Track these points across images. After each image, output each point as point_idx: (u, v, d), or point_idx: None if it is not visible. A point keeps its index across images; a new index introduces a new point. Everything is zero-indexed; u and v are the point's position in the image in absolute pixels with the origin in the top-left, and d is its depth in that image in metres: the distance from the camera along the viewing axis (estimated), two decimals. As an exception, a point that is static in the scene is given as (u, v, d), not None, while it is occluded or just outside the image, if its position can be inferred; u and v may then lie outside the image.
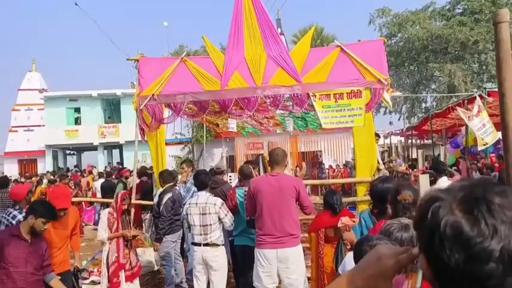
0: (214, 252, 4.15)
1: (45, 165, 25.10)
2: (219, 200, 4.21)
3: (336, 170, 18.94)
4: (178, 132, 21.92)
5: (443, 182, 5.55)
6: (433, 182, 5.66)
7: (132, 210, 5.36)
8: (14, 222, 4.21)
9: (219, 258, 4.17)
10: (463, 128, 10.04)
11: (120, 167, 20.74)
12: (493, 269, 0.67)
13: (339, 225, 2.91)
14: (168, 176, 5.95)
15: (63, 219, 3.87)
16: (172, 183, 5.91)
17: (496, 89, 2.29)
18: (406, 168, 9.23)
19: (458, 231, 0.70)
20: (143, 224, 7.69)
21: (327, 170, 19.24)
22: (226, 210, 4.18)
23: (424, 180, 4.07)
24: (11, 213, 4.36)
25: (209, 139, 20.78)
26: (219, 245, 4.17)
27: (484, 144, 7.30)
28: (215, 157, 22.40)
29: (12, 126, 27.78)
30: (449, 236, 0.71)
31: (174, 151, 22.67)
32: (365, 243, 1.91)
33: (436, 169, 6.04)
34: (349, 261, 2.31)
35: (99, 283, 5.89)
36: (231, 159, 22.40)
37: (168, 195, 5.46)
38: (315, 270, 3.92)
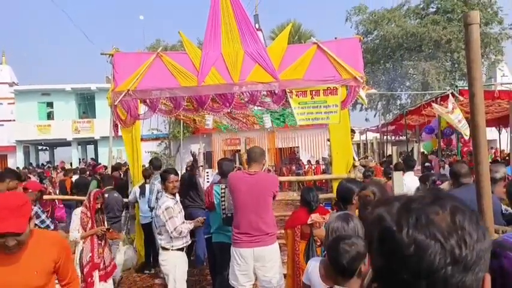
0: (162, 256, 4.18)
1: (15, 161, 24.34)
2: (164, 204, 4.10)
3: (307, 166, 19.10)
4: (155, 128, 21.61)
5: (408, 176, 5.78)
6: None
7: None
8: (32, 214, 4.23)
9: (167, 263, 4.14)
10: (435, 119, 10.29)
11: (95, 163, 20.32)
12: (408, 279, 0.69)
13: (309, 222, 2.94)
14: (108, 180, 5.99)
15: (14, 253, 1.93)
16: (111, 187, 5.90)
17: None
18: (377, 164, 9.43)
19: (388, 236, 0.71)
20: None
21: (306, 166, 19.39)
22: (168, 216, 4.05)
23: (397, 177, 4.15)
24: None
25: (186, 135, 20.59)
26: (168, 249, 4.13)
27: (466, 135, 7.68)
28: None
29: (-19, 121, 26.79)
30: (380, 238, 0.73)
31: (150, 147, 22.38)
32: (342, 242, 1.93)
33: (407, 164, 6.29)
34: (312, 269, 2.33)
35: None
36: (208, 155, 22.29)
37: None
38: (291, 267, 3.94)
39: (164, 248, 4.16)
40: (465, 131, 7.71)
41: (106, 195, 5.39)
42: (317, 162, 18.90)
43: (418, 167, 9.32)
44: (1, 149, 25.94)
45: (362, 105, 23.13)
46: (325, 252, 2.27)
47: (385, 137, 16.65)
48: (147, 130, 18.04)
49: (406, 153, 12.10)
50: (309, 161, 19.94)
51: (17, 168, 20.16)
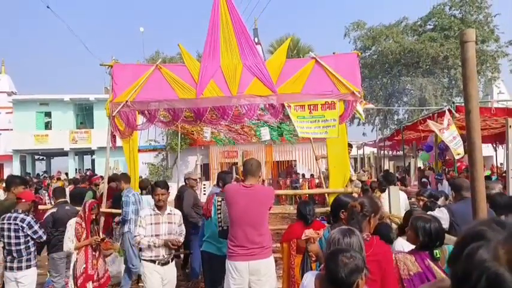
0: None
1: (12, 170, 24.20)
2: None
3: (301, 180, 19.10)
4: (153, 139, 21.61)
5: (393, 189, 5.82)
6: (383, 190, 6.24)
7: (102, 219, 5.23)
8: (24, 225, 4.44)
9: (141, 272, 4.46)
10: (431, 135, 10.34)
11: (92, 173, 20.22)
12: None
13: (303, 237, 2.92)
14: (59, 193, 5.91)
15: None
16: (63, 200, 5.77)
17: (463, 105, 2.36)
18: (369, 179, 9.46)
19: (497, 285, 0.58)
20: (113, 233, 7.49)
21: (301, 180, 19.36)
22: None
23: (394, 192, 4.15)
24: (16, 217, 4.45)
25: (184, 147, 20.58)
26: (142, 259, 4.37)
27: (458, 154, 7.57)
28: (189, 165, 22.19)
29: (-22, 130, 26.72)
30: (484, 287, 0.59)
31: (147, 158, 22.35)
32: (341, 254, 1.90)
33: (386, 179, 6.62)
34: (308, 283, 2.31)
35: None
36: (205, 167, 22.24)
37: (52, 211, 5.43)
38: (286, 281, 3.91)
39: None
40: (458, 149, 7.62)
41: (55, 209, 5.34)
42: (311, 175, 18.91)
43: (414, 182, 9.34)
44: (-2, 158, 25.85)
45: (359, 119, 23.23)
46: (321, 266, 2.25)
47: (382, 151, 16.68)
48: (144, 141, 18.02)
49: (403, 168, 12.12)
50: (303, 175, 19.92)
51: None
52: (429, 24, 24.22)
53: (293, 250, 3.80)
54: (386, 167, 14.43)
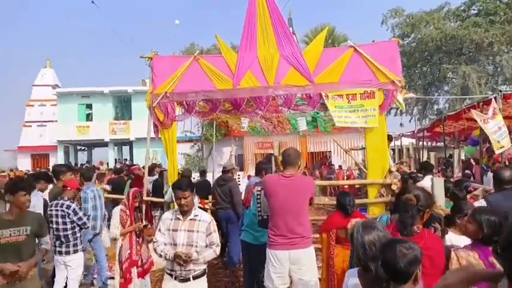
0: None
1: (56, 160, 25.36)
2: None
3: (337, 170, 18.93)
4: (188, 130, 21.98)
5: (426, 180, 5.80)
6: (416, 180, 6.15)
7: (144, 207, 5.39)
8: (70, 211, 4.71)
9: None
10: (475, 131, 9.94)
11: (130, 163, 20.87)
12: None
13: (349, 226, 2.90)
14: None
15: None
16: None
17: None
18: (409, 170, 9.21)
19: None
20: (153, 221, 7.73)
21: (336, 171, 19.16)
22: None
23: (438, 183, 4.04)
24: (62, 204, 4.74)
25: (218, 137, 20.81)
26: None
27: (501, 147, 7.19)
28: (224, 155, 22.44)
29: (26, 122, 28.13)
30: None
31: (183, 149, 22.77)
32: (398, 245, 1.86)
33: (425, 168, 6.56)
34: (351, 282, 2.28)
35: (111, 278, 5.97)
36: (239, 158, 22.42)
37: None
38: (325, 271, 3.91)
39: None
40: (502, 141, 7.19)
41: None
42: (340, 167, 18.82)
43: (458, 174, 9.02)
44: (44, 148, 27.16)
45: (397, 110, 22.66)
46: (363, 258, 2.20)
47: (421, 142, 16.18)
48: (180, 132, 18.34)
49: (444, 160, 11.72)
50: (340, 166, 19.69)
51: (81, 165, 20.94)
52: (473, 9, 23.11)
53: (332, 240, 3.78)
54: (425, 158, 14.01)
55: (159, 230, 3.48)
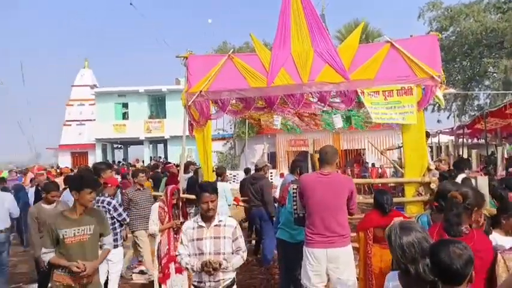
0: None
1: (95, 158, 26.28)
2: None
3: (370, 169, 18.63)
4: (221, 128, 22.23)
5: (458, 179, 5.70)
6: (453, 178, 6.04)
7: (180, 204, 5.49)
8: (110, 207, 4.85)
9: None
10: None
11: (165, 161, 21.32)
12: None
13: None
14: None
15: None
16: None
17: None
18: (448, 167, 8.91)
19: None
20: (188, 218, 7.86)
21: (370, 169, 18.84)
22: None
23: (482, 182, 3.90)
24: (104, 200, 4.89)
25: (251, 135, 20.92)
26: None
27: None
28: (256, 153, 22.50)
29: (66, 121, 29.31)
30: None
31: (216, 147, 23.02)
32: (452, 245, 1.80)
33: (457, 167, 6.53)
34: (392, 281, 2.23)
35: (147, 273, 6.13)
36: (272, 156, 22.43)
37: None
38: (362, 270, 3.85)
39: None
40: None
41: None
42: (373, 165, 18.53)
43: (502, 172, 8.64)
44: (83, 146, 28.20)
45: (434, 106, 21.97)
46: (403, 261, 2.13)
47: (460, 139, 15.62)
48: (213, 130, 18.56)
49: (485, 157, 11.27)
50: (373, 164, 19.33)
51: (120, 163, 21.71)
52: (516, 0, 22.03)
53: (369, 239, 3.72)
54: (465, 156, 13.52)
55: (181, 243, 3.24)
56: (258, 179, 6.57)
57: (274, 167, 21.65)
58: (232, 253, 3.18)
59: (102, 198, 4.90)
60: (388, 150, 13.02)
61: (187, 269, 3.25)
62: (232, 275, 3.23)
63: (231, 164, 22.49)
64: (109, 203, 4.83)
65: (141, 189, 6.32)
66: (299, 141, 21.46)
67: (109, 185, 5.05)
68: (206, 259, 3.02)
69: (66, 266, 3.24)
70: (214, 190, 3.26)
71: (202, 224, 3.19)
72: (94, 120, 27.43)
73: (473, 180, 4.97)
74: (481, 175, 5.86)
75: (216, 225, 3.19)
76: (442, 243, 1.86)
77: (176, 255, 3.33)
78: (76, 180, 3.50)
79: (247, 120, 11.20)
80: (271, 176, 20.11)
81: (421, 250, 2.02)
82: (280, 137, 21.80)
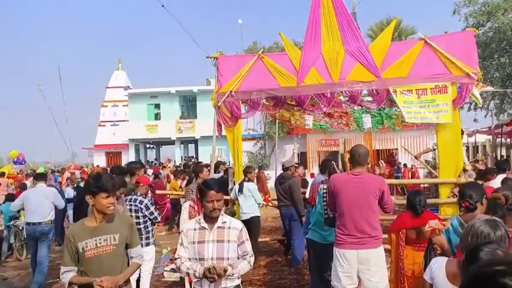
0: None
1: (128, 158, 26.97)
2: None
3: (403, 169, 18.20)
4: (251, 128, 22.29)
5: (497, 180, 5.51)
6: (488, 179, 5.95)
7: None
8: (142, 206, 4.83)
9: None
10: None
11: (196, 161, 21.60)
12: None
13: (427, 228, 2.76)
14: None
15: None
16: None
17: None
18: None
19: None
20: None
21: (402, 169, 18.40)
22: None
23: (521, 183, 3.74)
24: (136, 199, 4.92)
25: (281, 135, 20.85)
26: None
27: None
28: (287, 153, 22.43)
29: (101, 121, 30.24)
30: None
31: (246, 147, 23.08)
32: (482, 248, 1.75)
33: (499, 167, 6.56)
34: (437, 267, 2.17)
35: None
36: (302, 156, 22.30)
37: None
38: (394, 272, 3.78)
39: None
40: None
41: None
42: (404, 165, 18.14)
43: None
44: (117, 146, 28.99)
45: (471, 104, 21.23)
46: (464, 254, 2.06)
47: (498, 139, 15.00)
48: (243, 130, 18.65)
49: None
50: (405, 165, 18.88)
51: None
52: (559, -7, 20.95)
53: (402, 241, 3.65)
54: (504, 156, 12.98)
55: (181, 244, 2.87)
56: (286, 178, 6.56)
57: (305, 167, 21.53)
58: (238, 258, 2.82)
59: (134, 197, 5.02)
60: (422, 153, 12.68)
61: (187, 274, 2.88)
62: (237, 282, 2.85)
63: (261, 164, 22.53)
64: (141, 202, 4.94)
65: None
66: (330, 141, 21.23)
67: (141, 184, 5.17)
68: (207, 265, 2.69)
69: (89, 283, 2.70)
70: (221, 188, 2.91)
71: (205, 225, 2.84)
72: (127, 121, 28.16)
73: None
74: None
75: (219, 227, 2.83)
76: (483, 245, 1.79)
77: (175, 258, 2.94)
78: (91, 182, 2.89)
79: (277, 120, 11.19)
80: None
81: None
82: (310, 137, 21.66)
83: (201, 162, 14.34)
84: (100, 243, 2.79)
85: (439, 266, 2.15)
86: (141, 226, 4.97)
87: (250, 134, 22.78)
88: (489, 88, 16.21)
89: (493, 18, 21.27)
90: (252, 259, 2.89)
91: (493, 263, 1.09)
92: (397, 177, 16.67)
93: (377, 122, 10.74)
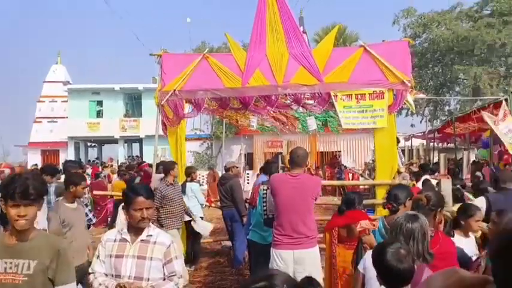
0: None
1: (67, 157, 25.59)
2: None
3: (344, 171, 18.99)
4: (198, 128, 22.07)
5: (445, 182, 5.82)
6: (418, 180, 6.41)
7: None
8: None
9: None
10: (485, 133, 9.86)
11: (140, 160, 21.01)
12: None
13: (358, 228, 2.88)
14: None
15: None
16: None
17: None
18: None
19: None
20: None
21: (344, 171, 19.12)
22: None
23: (446, 185, 4.00)
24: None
25: (228, 136, 20.84)
26: None
27: None
28: (234, 154, 22.46)
29: (37, 117, 28.45)
30: None
31: (193, 147, 22.83)
32: (388, 247, 1.87)
33: (423, 168, 7.30)
34: (369, 259, 2.28)
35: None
36: (249, 157, 22.43)
37: None
38: (327, 269, 3.90)
39: None
40: None
41: None
42: (344, 167, 18.90)
43: (467, 175, 8.92)
44: (54, 144, 27.43)
45: (408, 110, 22.47)
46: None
47: (431, 143, 16.03)
48: (189, 130, 18.41)
49: (454, 161, 11.62)
50: (345, 166, 19.62)
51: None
52: (486, 9, 22.80)
53: (334, 238, 3.76)
54: (436, 159, 13.89)
55: (97, 257, 2.50)
56: (227, 179, 6.56)
57: (251, 168, 21.66)
58: (164, 279, 2.45)
59: None
60: (364, 170, 13.33)
61: None
62: None
63: (208, 165, 22.36)
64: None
65: (174, 184, 5.74)
66: (276, 142, 21.55)
67: None
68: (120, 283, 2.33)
69: None
70: (150, 194, 2.51)
71: (127, 236, 2.45)
72: (66, 117, 26.75)
73: (434, 182, 5.19)
74: (448, 178, 6.03)
75: (143, 241, 2.44)
76: (383, 245, 1.94)
77: (89, 273, 2.56)
78: (0, 184, 2.23)
79: (224, 121, 11.18)
80: (248, 177, 20.11)
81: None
82: (257, 138, 21.84)
83: (143, 162, 13.95)
84: (10, 268, 2.04)
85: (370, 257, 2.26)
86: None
87: (196, 134, 22.55)
88: (422, 95, 17.29)
89: (428, 30, 22.74)
90: (181, 281, 2.53)
91: None
92: (339, 179, 17.28)
93: (321, 124, 11.08)
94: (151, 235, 2.48)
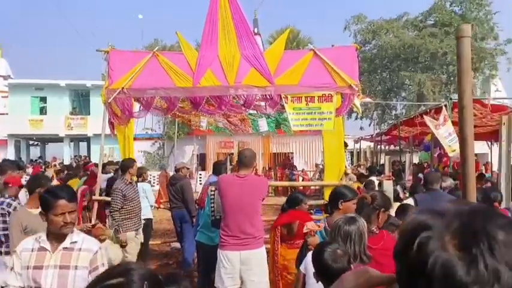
0: None
1: (6, 155, 24.06)
2: None
3: (296, 173, 19.39)
4: (149, 128, 21.55)
5: (386, 183, 6.15)
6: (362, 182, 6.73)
7: (95, 206, 5.22)
8: (11, 210, 4.23)
9: None
10: (427, 136, 10.45)
11: (87, 160, 20.19)
12: None
13: (305, 230, 2.94)
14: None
15: None
16: None
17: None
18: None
19: (451, 274, 0.56)
20: (107, 220, 7.50)
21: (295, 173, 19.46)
22: None
23: (388, 186, 4.18)
24: (3, 202, 4.32)
25: (181, 136, 20.56)
26: None
27: (453, 151, 7.56)
28: (186, 154, 22.18)
29: (-26, 113, 26.54)
30: (438, 277, 0.56)
31: (144, 146, 22.29)
32: (326, 247, 1.94)
33: (370, 170, 8.02)
34: (310, 259, 2.35)
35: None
36: (202, 157, 22.24)
37: None
38: (271, 266, 3.95)
39: None
40: (453, 145, 7.59)
41: None
42: (302, 170, 19.29)
43: (409, 177, 9.39)
44: (-7, 142, 25.72)
45: (357, 113, 23.29)
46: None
47: (378, 146, 16.72)
48: (141, 129, 17.93)
49: (398, 163, 12.18)
50: (295, 167, 19.99)
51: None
52: (430, 20, 24.18)
53: (277, 237, 3.81)
54: (382, 162, 14.48)
55: (12, 269, 2.25)
56: (178, 179, 6.48)
57: (203, 169, 21.48)
58: None
59: (1, 199, 4.45)
60: (316, 172, 13.71)
61: None
62: None
63: (159, 165, 21.91)
64: (9, 205, 4.38)
65: (133, 182, 5.47)
66: (229, 143, 21.53)
67: (10, 185, 4.62)
68: None
69: None
70: (73, 196, 2.30)
71: (46, 245, 2.22)
72: (7, 114, 25.16)
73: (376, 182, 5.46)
74: (392, 179, 6.31)
75: (65, 249, 2.22)
76: (322, 245, 2.04)
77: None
78: None
79: (177, 120, 11.00)
80: (200, 177, 19.93)
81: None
82: (210, 138, 21.71)
83: (89, 162, 13.43)
84: None
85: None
86: (8, 232, 4.45)
87: (148, 134, 22.01)
88: (368, 99, 17.99)
89: (377, 37, 23.72)
90: None
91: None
92: (291, 180, 17.57)
93: (274, 126, 11.21)
94: (75, 241, 2.26)
